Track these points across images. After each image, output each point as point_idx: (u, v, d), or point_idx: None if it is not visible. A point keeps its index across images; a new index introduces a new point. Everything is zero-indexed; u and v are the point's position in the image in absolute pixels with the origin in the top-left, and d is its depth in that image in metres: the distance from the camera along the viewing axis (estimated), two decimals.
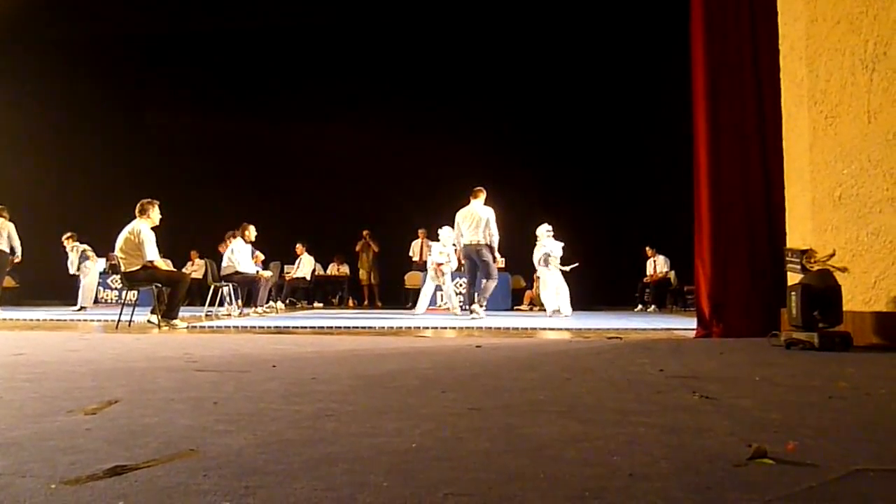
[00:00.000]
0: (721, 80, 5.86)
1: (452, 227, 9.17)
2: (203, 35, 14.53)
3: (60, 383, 2.83)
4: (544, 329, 6.92)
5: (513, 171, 13.98)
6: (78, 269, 11.28)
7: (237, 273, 9.67)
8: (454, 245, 9.62)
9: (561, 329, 6.87)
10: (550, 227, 9.89)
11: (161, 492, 1.31)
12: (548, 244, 9.79)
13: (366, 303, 14.61)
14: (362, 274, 14.55)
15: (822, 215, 4.91)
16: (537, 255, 9.90)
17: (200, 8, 13.75)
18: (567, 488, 1.34)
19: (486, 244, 8.69)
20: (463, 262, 9.00)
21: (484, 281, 8.70)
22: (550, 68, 14.34)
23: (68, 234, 11.45)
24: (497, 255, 8.85)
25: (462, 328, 6.95)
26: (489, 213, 8.76)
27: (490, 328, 7.05)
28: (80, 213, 12.26)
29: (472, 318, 8.32)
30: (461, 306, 9.34)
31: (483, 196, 8.92)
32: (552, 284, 9.81)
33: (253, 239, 10.20)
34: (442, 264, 10.27)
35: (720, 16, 5.91)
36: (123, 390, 2.62)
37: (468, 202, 8.93)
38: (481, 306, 8.66)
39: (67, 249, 11.47)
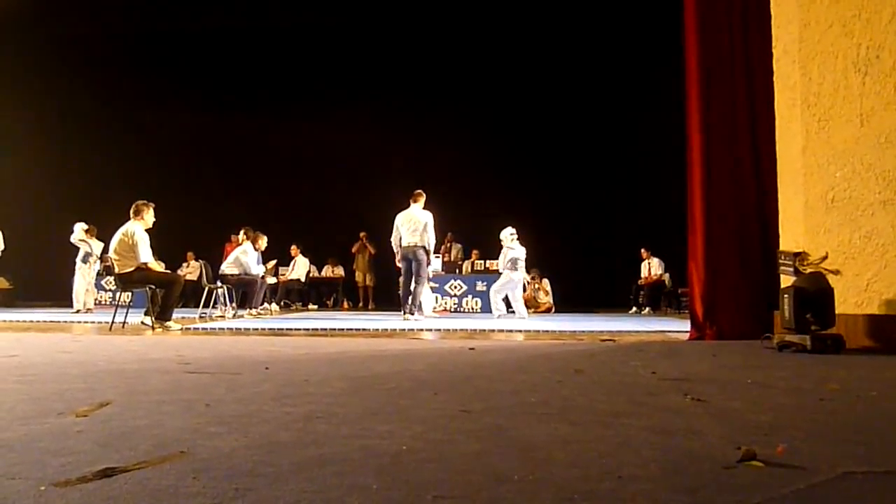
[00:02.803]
0: (714, 84, 5.88)
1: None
2: (197, 35, 14.52)
3: (52, 385, 2.82)
4: (537, 331, 6.92)
5: (509, 174, 14.03)
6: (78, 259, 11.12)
7: (233, 274, 9.72)
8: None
9: (554, 331, 6.88)
10: (514, 231, 10.07)
11: (150, 494, 1.31)
12: (516, 248, 10.02)
13: (361, 304, 14.60)
14: (359, 276, 14.55)
15: (815, 218, 4.92)
16: (504, 259, 10.12)
17: (193, 7, 13.72)
18: (556, 490, 1.34)
19: (423, 246, 8.90)
20: (399, 264, 9.10)
21: (413, 286, 8.92)
22: (546, 70, 14.38)
23: (87, 227, 11.30)
24: (431, 257, 9.13)
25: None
26: (428, 217, 8.96)
27: (484, 330, 7.07)
28: (74, 213, 12.18)
29: (406, 321, 8.53)
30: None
31: (423, 200, 9.09)
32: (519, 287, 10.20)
33: (263, 248, 10.37)
34: None
35: (713, 17, 5.92)
36: (115, 392, 2.61)
37: (408, 205, 9.07)
38: (412, 313, 8.83)
39: (83, 240, 11.30)
